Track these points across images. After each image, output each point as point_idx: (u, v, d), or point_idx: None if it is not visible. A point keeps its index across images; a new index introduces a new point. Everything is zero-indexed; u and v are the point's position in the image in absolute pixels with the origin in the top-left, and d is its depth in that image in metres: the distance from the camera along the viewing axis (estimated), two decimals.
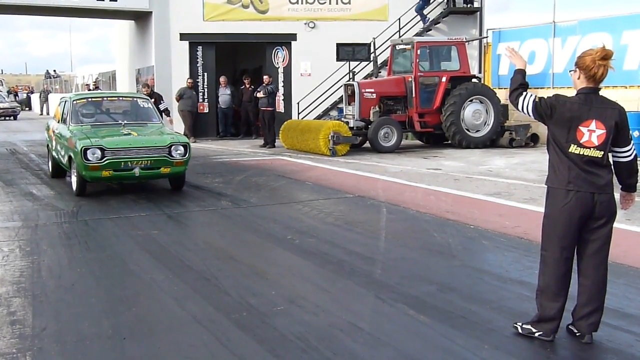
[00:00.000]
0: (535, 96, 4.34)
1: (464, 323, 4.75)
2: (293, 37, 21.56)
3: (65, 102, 11.72)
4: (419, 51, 16.95)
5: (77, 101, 11.50)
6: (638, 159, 4.40)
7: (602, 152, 4.17)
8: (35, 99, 48.23)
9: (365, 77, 20.07)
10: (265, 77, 18.98)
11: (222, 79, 20.76)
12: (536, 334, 4.41)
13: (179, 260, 6.56)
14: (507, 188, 10.72)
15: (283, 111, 21.03)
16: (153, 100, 16.80)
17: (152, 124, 11.28)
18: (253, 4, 21.39)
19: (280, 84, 21.57)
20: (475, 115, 16.91)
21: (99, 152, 9.76)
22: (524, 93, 4.36)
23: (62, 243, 7.30)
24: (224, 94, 20.67)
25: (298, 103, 20.36)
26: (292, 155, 16.01)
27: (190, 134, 19.17)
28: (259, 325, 4.73)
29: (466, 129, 16.89)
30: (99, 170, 9.80)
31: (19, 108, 39.49)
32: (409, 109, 17.18)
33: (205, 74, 21.41)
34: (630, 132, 4.42)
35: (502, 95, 18.46)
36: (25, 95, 53.49)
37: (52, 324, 4.81)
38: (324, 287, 5.68)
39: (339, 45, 21.73)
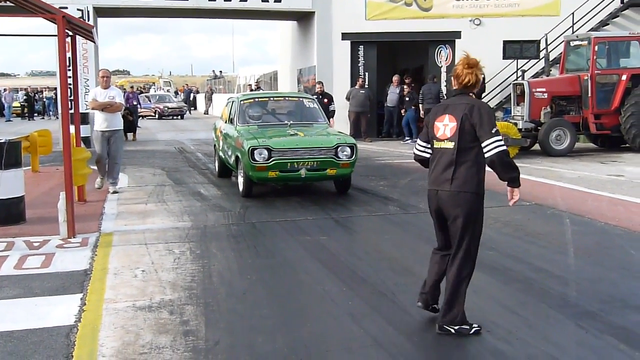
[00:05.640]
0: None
1: None
2: (457, 34, 20.83)
3: (233, 102, 11.77)
4: (596, 47, 15.71)
5: (244, 101, 11.49)
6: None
7: (453, 144, 4.43)
8: (200, 98, 50.12)
9: (534, 76, 19.00)
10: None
11: (395, 78, 20.26)
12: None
13: (350, 270, 6.19)
14: None
15: None
16: (326, 100, 16.77)
17: (317, 124, 11.08)
18: (416, 2, 20.88)
19: (443, 84, 20.88)
20: None
21: (266, 153, 9.64)
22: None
23: (231, 247, 7.16)
24: (393, 92, 20.19)
25: None
26: None
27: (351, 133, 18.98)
28: (448, 352, 4.25)
29: None
30: (265, 171, 9.68)
31: (185, 108, 41.17)
32: (583, 110, 16.00)
33: (367, 73, 21.12)
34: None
35: None
36: (186, 95, 54.28)
37: (226, 337, 4.57)
38: (513, 308, 5.09)
39: (505, 43, 20.76)
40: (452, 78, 4.60)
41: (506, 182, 4.48)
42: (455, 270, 4.48)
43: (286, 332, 4.65)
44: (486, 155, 4.35)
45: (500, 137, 4.36)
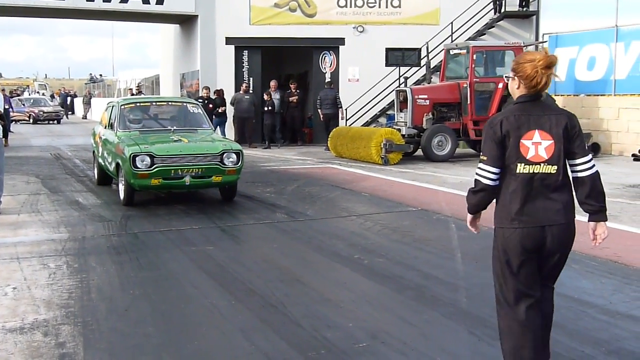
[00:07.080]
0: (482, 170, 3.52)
1: None
2: (341, 41, 21.01)
3: (113, 107, 11.27)
4: (474, 56, 16.20)
5: (125, 106, 11.02)
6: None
7: (556, 167, 3.48)
8: (78, 102, 48.27)
9: (416, 83, 19.40)
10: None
11: (272, 83, 20.18)
12: None
13: (239, 282, 5.97)
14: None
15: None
16: (211, 106, 16.32)
17: (202, 130, 10.77)
18: (300, 8, 20.88)
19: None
20: None
21: (148, 159, 9.25)
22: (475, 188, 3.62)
23: (112, 259, 6.76)
24: (273, 98, 20.12)
25: (346, 109, 19.76)
26: (342, 164, 15.41)
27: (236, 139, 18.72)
28: None
29: None
30: (148, 179, 9.29)
31: (62, 112, 39.54)
32: (463, 116, 16.46)
33: (251, 78, 20.93)
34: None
35: (561, 102, 17.72)
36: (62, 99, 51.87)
37: (106, 359, 4.24)
38: (407, 318, 5.03)
39: (388, 50, 21.13)
40: (516, 80, 3.53)
41: (588, 215, 3.63)
42: (551, 305, 3.78)
43: (173, 350, 4.38)
44: (580, 174, 3.54)
45: (591, 155, 3.62)
